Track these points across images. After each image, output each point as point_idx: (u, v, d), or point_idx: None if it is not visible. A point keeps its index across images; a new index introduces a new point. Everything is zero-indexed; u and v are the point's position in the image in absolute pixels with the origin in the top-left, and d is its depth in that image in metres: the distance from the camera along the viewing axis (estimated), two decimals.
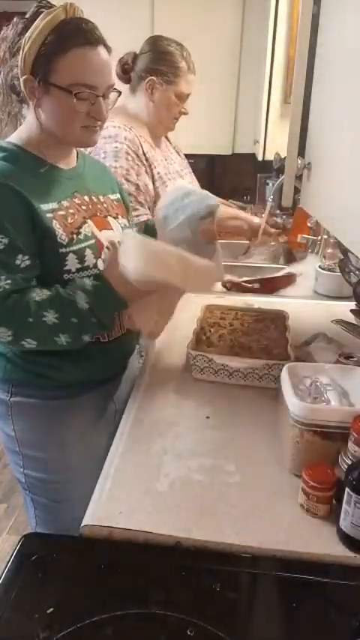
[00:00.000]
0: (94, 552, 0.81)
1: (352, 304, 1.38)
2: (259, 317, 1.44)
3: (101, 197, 1.18)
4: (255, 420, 1.11)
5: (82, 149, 1.20)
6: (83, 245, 1.06)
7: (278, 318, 1.43)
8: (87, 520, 0.84)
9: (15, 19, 1.03)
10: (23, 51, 0.99)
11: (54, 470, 1.19)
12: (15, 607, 0.70)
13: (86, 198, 1.13)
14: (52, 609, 0.69)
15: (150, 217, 1.61)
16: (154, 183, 1.74)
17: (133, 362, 1.35)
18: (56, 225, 1.02)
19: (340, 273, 1.59)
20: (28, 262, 0.99)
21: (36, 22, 0.98)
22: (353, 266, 1.48)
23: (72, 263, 1.04)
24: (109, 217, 1.16)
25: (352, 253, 1.40)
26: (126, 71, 1.79)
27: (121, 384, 1.28)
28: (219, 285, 1.94)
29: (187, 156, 1.98)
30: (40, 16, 0.98)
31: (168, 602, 0.70)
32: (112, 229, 1.15)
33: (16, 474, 1.25)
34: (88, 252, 1.06)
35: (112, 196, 1.22)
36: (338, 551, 0.79)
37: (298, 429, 0.91)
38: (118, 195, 1.25)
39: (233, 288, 1.90)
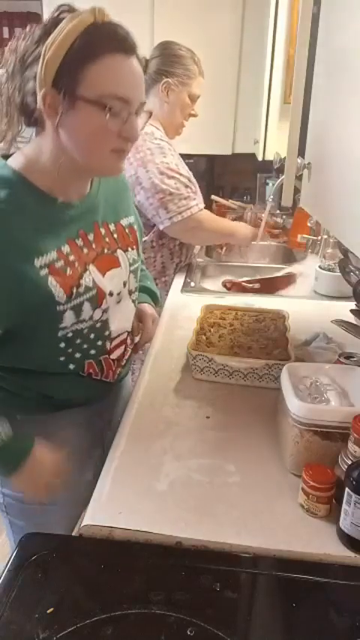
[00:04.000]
0: (94, 552, 0.80)
1: (352, 304, 1.37)
2: (259, 317, 1.44)
3: (112, 226, 1.05)
4: (255, 420, 1.11)
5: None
6: (82, 299, 0.96)
7: (278, 318, 1.43)
8: (87, 520, 0.84)
9: (29, 27, 0.87)
10: (44, 59, 0.83)
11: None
12: (15, 607, 0.70)
13: (91, 236, 0.99)
14: (52, 609, 0.69)
15: (203, 206, 1.83)
16: None
17: (126, 381, 1.27)
18: (52, 283, 0.90)
19: (340, 273, 1.59)
20: None
21: (60, 25, 0.83)
22: (353, 266, 1.47)
23: (69, 319, 0.95)
24: (118, 251, 1.05)
25: (352, 253, 1.40)
26: None
27: (110, 402, 1.19)
28: (219, 285, 1.95)
29: (187, 156, 2.00)
30: (64, 21, 0.83)
31: (168, 602, 0.70)
32: (118, 266, 1.04)
33: None
34: (86, 305, 0.97)
35: (125, 221, 1.10)
36: (338, 551, 0.79)
37: (298, 429, 0.91)
38: (132, 219, 1.12)
39: (233, 288, 1.90)
